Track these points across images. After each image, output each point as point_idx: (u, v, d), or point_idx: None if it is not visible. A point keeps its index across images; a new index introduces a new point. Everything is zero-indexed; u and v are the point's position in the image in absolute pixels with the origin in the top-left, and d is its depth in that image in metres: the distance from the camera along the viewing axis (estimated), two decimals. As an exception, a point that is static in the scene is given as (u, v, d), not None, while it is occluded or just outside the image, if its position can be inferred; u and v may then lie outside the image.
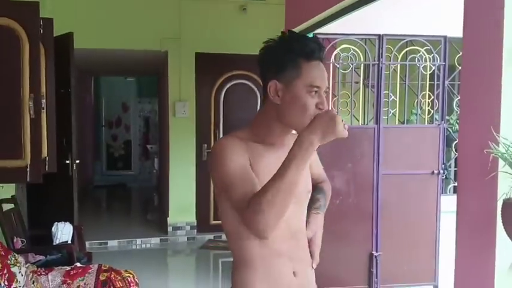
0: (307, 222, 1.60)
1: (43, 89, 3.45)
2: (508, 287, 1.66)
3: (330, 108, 1.54)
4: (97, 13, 5.82)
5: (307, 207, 1.61)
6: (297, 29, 3.97)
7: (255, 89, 6.32)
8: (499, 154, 1.45)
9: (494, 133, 1.52)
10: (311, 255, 1.59)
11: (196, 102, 6.24)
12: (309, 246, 1.58)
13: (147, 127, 11.78)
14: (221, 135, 6.26)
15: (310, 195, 1.60)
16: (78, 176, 4.72)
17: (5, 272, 2.88)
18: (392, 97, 4.03)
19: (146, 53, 6.43)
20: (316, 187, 1.71)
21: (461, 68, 1.87)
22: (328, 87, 1.67)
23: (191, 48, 6.17)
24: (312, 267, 1.59)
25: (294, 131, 1.47)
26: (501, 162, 1.56)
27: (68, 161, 4.37)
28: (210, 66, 6.19)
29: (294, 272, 1.51)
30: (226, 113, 6.32)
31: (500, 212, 1.48)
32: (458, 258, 1.84)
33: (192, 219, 6.26)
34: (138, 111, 11.80)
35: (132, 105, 11.78)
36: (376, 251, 3.90)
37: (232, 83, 6.34)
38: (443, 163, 4.04)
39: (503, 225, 1.47)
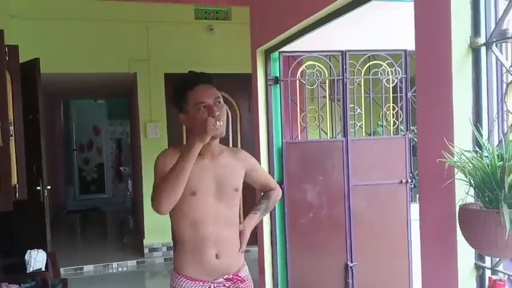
0: (244, 218, 2.10)
1: (10, 116, 3.43)
2: (471, 285, 1.74)
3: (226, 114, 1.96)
4: (64, 38, 5.82)
5: (254, 206, 2.14)
6: (262, 48, 4.06)
7: (225, 106, 6.36)
8: (452, 162, 1.53)
9: (447, 142, 1.61)
10: (240, 244, 2.02)
11: (168, 122, 6.26)
12: (240, 237, 2.02)
13: (119, 149, 11.70)
14: (194, 154, 6.29)
15: (238, 193, 2.01)
16: (50, 201, 4.67)
17: (-22, 303, 2.82)
18: (358, 110, 4.15)
19: (115, 76, 6.44)
20: (265, 194, 2.20)
21: (416, 80, 1.96)
22: (219, 97, 1.94)
23: (160, 69, 6.21)
24: (239, 251, 2.02)
25: (216, 142, 1.96)
26: (457, 170, 1.64)
27: (38, 187, 4.32)
28: (180, 86, 6.23)
29: (216, 255, 1.94)
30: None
31: (457, 217, 1.56)
32: (424, 264, 1.91)
33: (168, 239, 6.22)
34: (110, 134, 11.72)
35: (104, 128, 11.69)
36: (351, 262, 3.97)
37: (202, 102, 6.38)
38: (411, 172, 4.16)
39: (461, 229, 1.55)
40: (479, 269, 1.74)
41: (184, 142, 6.30)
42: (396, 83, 4.20)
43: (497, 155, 1.41)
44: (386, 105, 4.22)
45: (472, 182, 1.48)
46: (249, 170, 2.10)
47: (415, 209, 4.14)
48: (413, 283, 4.06)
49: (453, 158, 1.63)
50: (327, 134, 4.20)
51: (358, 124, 4.15)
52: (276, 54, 3.99)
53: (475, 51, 1.72)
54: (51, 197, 4.78)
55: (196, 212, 1.91)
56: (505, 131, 1.61)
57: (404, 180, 4.08)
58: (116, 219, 9.79)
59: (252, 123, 6.37)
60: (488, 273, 1.72)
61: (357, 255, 3.98)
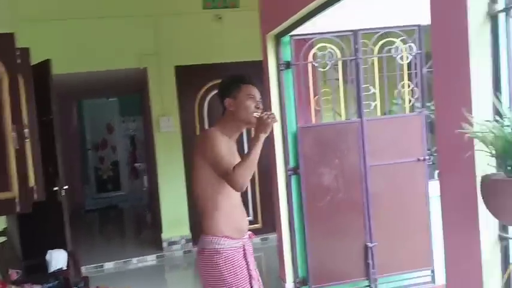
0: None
1: (25, 119, 3.45)
2: (494, 260, 1.71)
3: (270, 112, 2.47)
4: (73, 37, 5.82)
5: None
6: (272, 33, 4.02)
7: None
8: (472, 133, 1.49)
9: (466, 113, 1.57)
10: None
11: (180, 115, 6.26)
12: None
13: (133, 146, 11.73)
14: (208, 145, 6.28)
15: None
16: (68, 201, 4.69)
17: (5, 302, 2.85)
18: (372, 90, 4.09)
19: (125, 72, 6.44)
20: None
21: (433, 52, 1.92)
22: (261, 99, 2.44)
23: (170, 63, 6.19)
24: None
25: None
26: (476, 141, 1.61)
27: (56, 188, 4.34)
28: (191, 78, 6.22)
29: (242, 216, 2.47)
30: (211, 123, 6.33)
31: (480, 189, 1.53)
32: (446, 238, 1.88)
33: (187, 232, 6.26)
34: (123, 131, 11.75)
35: (117, 126, 11.73)
36: (371, 242, 3.95)
37: (214, 92, 6.35)
38: (429, 149, 4.11)
39: (483, 200, 1.52)
40: (503, 240, 1.71)
41: (202, 127, 6.28)
42: (411, 59, 4.13)
43: (520, 122, 1.37)
44: (401, 83, 4.16)
45: (493, 152, 1.44)
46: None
47: (433, 186, 4.09)
48: (434, 259, 4.02)
49: (473, 128, 1.59)
50: (341, 116, 4.15)
51: (373, 104, 4.10)
52: (286, 38, 3.95)
53: (493, 18, 1.67)
54: (69, 197, 4.80)
55: (226, 185, 2.30)
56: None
57: (422, 158, 4.03)
58: (134, 216, 9.86)
59: (265, 110, 6.36)
60: (514, 244, 1.69)
61: (376, 235, 3.96)
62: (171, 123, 6.21)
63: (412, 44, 4.08)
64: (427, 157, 4.02)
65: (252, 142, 2.30)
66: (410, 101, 4.20)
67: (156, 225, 6.98)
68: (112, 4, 5.96)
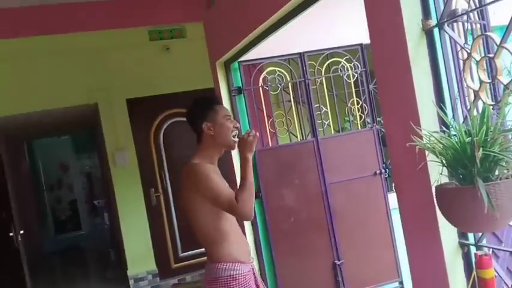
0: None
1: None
2: (458, 265, 1.75)
3: (250, 130, 2.44)
4: (17, 78, 5.67)
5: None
6: (221, 60, 4.05)
7: (192, 124, 6.32)
8: (422, 145, 1.54)
9: (414, 126, 1.62)
10: None
11: (136, 148, 6.16)
12: None
13: (90, 183, 11.46)
14: (167, 177, 6.20)
15: None
16: (26, 246, 4.52)
17: None
18: (324, 109, 4.17)
19: (76, 108, 6.31)
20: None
21: (375, 71, 1.98)
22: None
23: (121, 96, 6.11)
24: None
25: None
26: (428, 152, 1.66)
27: (11, 233, 4.18)
28: (144, 110, 6.16)
29: (245, 240, 2.49)
30: (168, 153, 6.28)
31: (435, 198, 1.57)
32: (410, 249, 1.92)
33: (153, 267, 6.10)
34: (79, 169, 11.47)
35: (72, 164, 11.43)
36: (338, 260, 3.97)
37: (168, 122, 6.32)
38: (384, 162, 4.20)
39: (440, 209, 1.56)
40: (463, 246, 1.75)
41: (159, 159, 6.20)
42: (357, 77, 4.25)
43: (465, 132, 1.42)
44: (351, 100, 4.26)
45: (444, 161, 1.49)
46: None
47: (392, 198, 4.18)
48: (402, 271, 4.09)
49: (422, 140, 1.64)
50: (296, 137, 4.20)
51: (326, 123, 4.18)
52: (235, 64, 3.99)
53: (428, 33, 1.75)
54: (26, 241, 4.62)
55: (230, 216, 2.33)
56: (468, 108, 1.63)
57: (378, 172, 4.11)
58: (97, 255, 9.55)
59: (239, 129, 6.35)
60: (473, 249, 1.74)
61: (343, 252, 3.98)
62: (127, 158, 6.09)
63: (356, 63, 4.21)
64: (383, 170, 4.11)
65: (242, 166, 2.26)
66: (361, 117, 4.31)
67: (120, 262, 6.79)
68: (57, 41, 5.85)
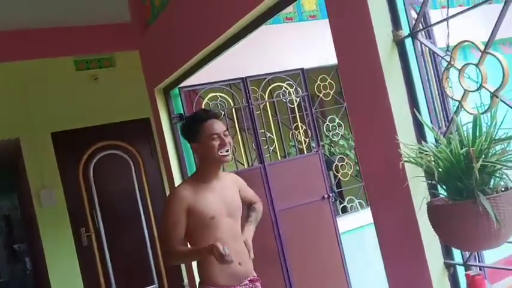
0: (242, 230, 2.43)
1: None
2: (445, 286, 1.65)
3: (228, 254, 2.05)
4: None
5: (245, 218, 2.51)
6: (160, 86, 3.85)
7: (124, 155, 6.00)
8: (412, 160, 1.44)
9: (401, 141, 1.52)
10: (249, 252, 2.38)
11: (64, 185, 5.69)
12: (246, 246, 2.39)
13: (9, 226, 10.55)
14: (99, 214, 5.78)
15: (241, 210, 2.42)
16: None
17: None
18: (269, 135, 4.08)
19: (-6, 145, 5.78)
20: (250, 207, 2.60)
21: (344, 88, 1.89)
22: (226, 130, 2.34)
23: (45, 130, 5.65)
24: (250, 258, 2.39)
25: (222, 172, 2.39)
26: (409, 168, 1.57)
27: None
28: (71, 144, 5.73)
29: (239, 263, 2.30)
30: (100, 189, 5.86)
31: (428, 216, 1.47)
32: (389, 272, 1.80)
33: (87, 311, 5.60)
34: (-5, 211, 10.56)
35: (-13, 206, 10.51)
36: (291, 290, 3.81)
37: (99, 156, 5.92)
38: (330, 186, 4.15)
39: (434, 228, 1.46)
40: (449, 267, 1.66)
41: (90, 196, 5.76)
42: (299, 101, 4.20)
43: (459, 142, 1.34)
44: (294, 125, 4.20)
45: (435, 175, 1.39)
46: (240, 188, 2.52)
47: (341, 222, 4.13)
48: (355, 297, 4.01)
49: (401, 156, 1.55)
50: (243, 164, 4.05)
51: (271, 148, 4.08)
52: (176, 90, 3.81)
53: (400, 44, 1.69)
54: None
55: (217, 232, 2.22)
56: (451, 118, 1.56)
57: (326, 196, 4.04)
58: (19, 305, 8.72)
59: (157, 169, 6.06)
60: (459, 270, 1.65)
61: (295, 282, 3.83)
62: (54, 196, 5.61)
63: (298, 88, 4.18)
64: (331, 194, 4.05)
65: (196, 249, 2.24)
66: (305, 141, 4.25)
67: (47, 312, 6.17)
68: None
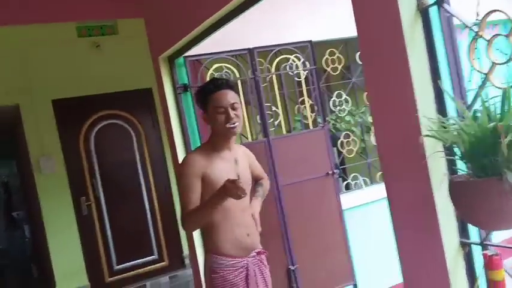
0: (250, 203, 2.39)
1: None
2: (459, 267, 1.61)
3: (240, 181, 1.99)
4: None
5: (252, 194, 2.45)
6: (165, 55, 3.75)
7: (125, 125, 5.93)
8: (436, 135, 1.37)
9: (425, 115, 1.45)
10: (256, 224, 2.34)
11: (64, 153, 5.63)
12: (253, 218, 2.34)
13: (8, 193, 10.54)
14: (99, 183, 5.74)
15: (251, 183, 2.41)
16: None
17: None
18: (274, 108, 4.00)
19: (-8, 111, 5.69)
20: (257, 182, 2.58)
21: (362, 58, 1.81)
22: (236, 102, 2.23)
23: (46, 97, 5.57)
24: (258, 231, 2.34)
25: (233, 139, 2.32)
26: (429, 143, 1.50)
27: None
28: (72, 112, 5.65)
29: (247, 234, 2.28)
30: (101, 159, 5.80)
31: (449, 193, 1.41)
32: (402, 250, 1.76)
33: (85, 282, 5.60)
34: (-6, 178, 10.53)
35: (-15, 173, 10.48)
36: (292, 265, 3.79)
37: (100, 125, 5.85)
38: (335, 163, 4.09)
39: (454, 205, 1.40)
40: (465, 246, 1.61)
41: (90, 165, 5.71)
42: (307, 75, 4.11)
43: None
44: (301, 99, 4.12)
45: (458, 151, 1.33)
46: (250, 162, 2.50)
47: (344, 199, 4.09)
48: (356, 273, 4.00)
49: (421, 130, 1.49)
50: (247, 138, 3.98)
51: (276, 122, 4.00)
52: (181, 59, 3.71)
53: (424, 12, 1.60)
54: None
55: (227, 203, 2.10)
56: (476, 92, 1.49)
57: (330, 172, 3.99)
58: (17, 272, 8.75)
59: (159, 140, 6.00)
60: (475, 249, 1.60)
61: (297, 257, 3.81)
62: (54, 164, 5.56)
63: (306, 61, 4.08)
64: (335, 171, 3.99)
65: (210, 197, 2.10)
66: (311, 116, 4.17)
67: (46, 279, 6.19)
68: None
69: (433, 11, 1.60)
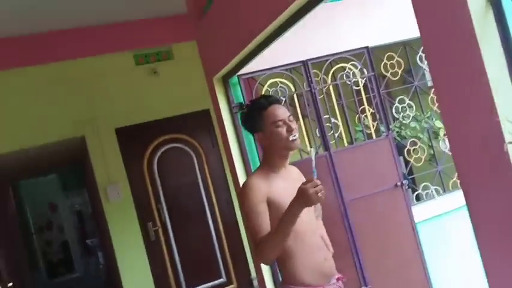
0: None
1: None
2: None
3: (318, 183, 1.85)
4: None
5: None
6: (219, 75, 3.72)
7: (186, 148, 5.97)
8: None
9: (506, 119, 1.27)
10: (327, 246, 2.15)
11: (129, 180, 5.74)
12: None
13: (81, 222, 10.94)
14: (165, 208, 5.78)
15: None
16: (15, 298, 4.07)
17: None
18: (333, 120, 3.84)
19: (61, 143, 5.89)
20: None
21: (428, 59, 1.65)
22: (290, 115, 2.13)
23: (109, 126, 5.72)
24: (330, 252, 2.15)
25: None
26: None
27: (-2, 286, 3.74)
28: (135, 139, 5.76)
29: (324, 259, 2.09)
30: (165, 183, 5.86)
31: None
32: (489, 272, 1.55)
33: (155, 302, 5.63)
34: (68, 208, 10.96)
35: (61, 203, 10.93)
36: (366, 285, 3.58)
37: (162, 150, 5.93)
38: (403, 173, 3.86)
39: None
40: None
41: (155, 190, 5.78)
42: (365, 83, 3.93)
43: None
44: (361, 108, 3.94)
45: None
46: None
47: (416, 211, 3.83)
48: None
49: (504, 135, 1.30)
50: (308, 153, 3.84)
51: (337, 135, 3.84)
52: (234, 78, 3.66)
53: (494, 3, 1.42)
54: (16, 291, 4.17)
55: (298, 226, 1.91)
56: None
57: (398, 183, 3.76)
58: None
59: (219, 160, 5.99)
60: None
61: (370, 276, 3.60)
62: (120, 191, 5.67)
63: (363, 68, 3.90)
64: (404, 181, 3.76)
65: (285, 212, 1.88)
66: (373, 125, 3.98)
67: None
68: (36, 72, 5.48)
69: (506, 0, 1.42)
